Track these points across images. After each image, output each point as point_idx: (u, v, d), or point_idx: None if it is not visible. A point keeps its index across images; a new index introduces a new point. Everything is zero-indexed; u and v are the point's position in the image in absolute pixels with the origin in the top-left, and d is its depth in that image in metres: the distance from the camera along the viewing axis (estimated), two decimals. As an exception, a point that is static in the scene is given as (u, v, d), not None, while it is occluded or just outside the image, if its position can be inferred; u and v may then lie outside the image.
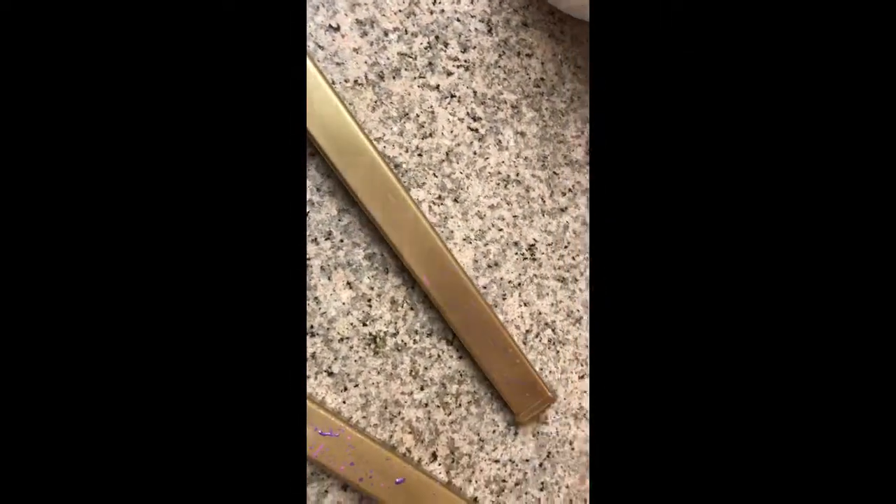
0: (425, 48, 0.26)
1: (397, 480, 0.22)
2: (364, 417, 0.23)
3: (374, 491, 0.22)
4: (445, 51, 0.26)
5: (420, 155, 0.25)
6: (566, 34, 0.29)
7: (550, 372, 0.27)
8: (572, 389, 0.28)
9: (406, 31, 0.26)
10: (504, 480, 0.26)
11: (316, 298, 0.23)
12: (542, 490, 0.26)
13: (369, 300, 0.24)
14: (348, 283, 0.24)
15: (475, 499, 0.25)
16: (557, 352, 0.27)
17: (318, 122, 0.22)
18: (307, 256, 0.23)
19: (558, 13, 0.29)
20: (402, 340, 0.24)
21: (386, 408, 0.24)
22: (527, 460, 0.26)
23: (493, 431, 0.26)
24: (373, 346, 0.24)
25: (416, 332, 0.25)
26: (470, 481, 0.25)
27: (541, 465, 0.27)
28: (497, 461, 0.26)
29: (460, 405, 0.25)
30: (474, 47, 0.27)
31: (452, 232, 0.26)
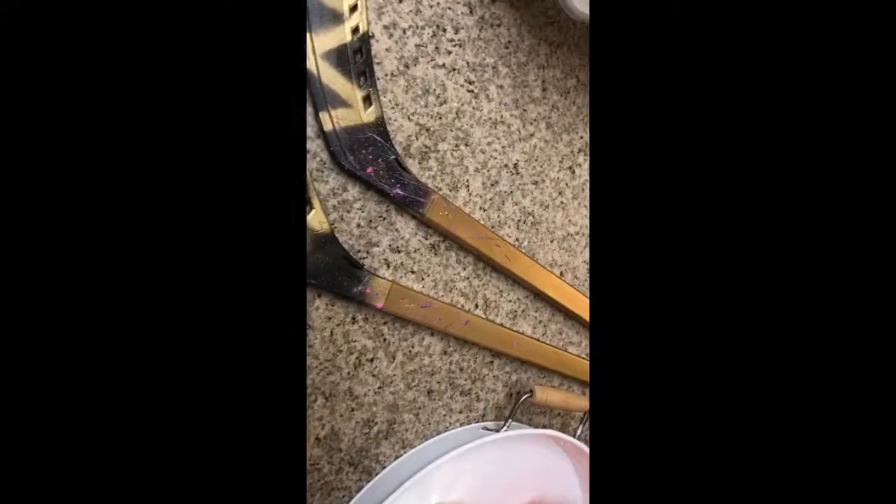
0: (432, 36, 0.35)
1: (464, 322, 0.38)
2: (435, 293, 0.38)
3: (455, 331, 0.37)
4: (445, 35, 0.36)
5: (440, 118, 0.37)
6: (520, 1, 0.39)
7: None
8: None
9: (417, 25, 0.35)
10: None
11: (399, 229, 0.36)
12: (536, 312, 0.44)
13: (427, 227, 0.37)
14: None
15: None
16: (551, 240, 0.43)
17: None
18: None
19: (514, -17, 0.38)
20: (449, 244, 0.38)
21: (446, 284, 0.39)
22: (526, 297, 0.43)
23: (506, 286, 0.42)
24: (432, 251, 0.38)
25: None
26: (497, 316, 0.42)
27: (534, 298, 0.44)
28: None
29: (489, 275, 0.40)
30: (463, 28, 0.37)
31: (467, 167, 0.38)
